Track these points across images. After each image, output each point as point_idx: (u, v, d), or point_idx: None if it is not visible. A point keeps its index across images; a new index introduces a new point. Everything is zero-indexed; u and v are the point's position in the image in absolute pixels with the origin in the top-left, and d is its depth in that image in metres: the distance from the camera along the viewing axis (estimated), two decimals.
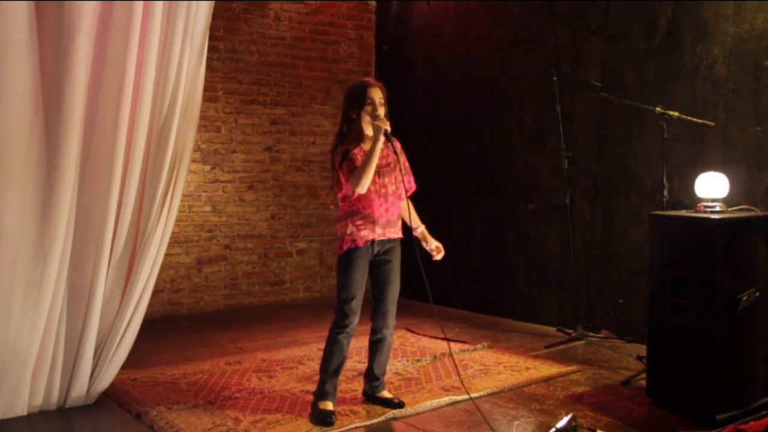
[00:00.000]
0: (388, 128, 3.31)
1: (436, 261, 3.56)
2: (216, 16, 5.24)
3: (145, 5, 3.38)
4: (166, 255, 4.04)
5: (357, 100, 3.41)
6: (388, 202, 3.45)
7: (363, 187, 3.31)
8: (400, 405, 3.51)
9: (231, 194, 6.33)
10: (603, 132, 5.11)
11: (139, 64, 3.42)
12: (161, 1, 3.42)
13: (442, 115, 6.45)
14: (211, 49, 4.87)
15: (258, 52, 6.42)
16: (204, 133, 6.11)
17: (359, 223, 3.39)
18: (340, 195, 3.42)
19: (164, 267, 5.73)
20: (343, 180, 3.37)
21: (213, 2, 3.66)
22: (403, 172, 3.47)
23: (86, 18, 3.23)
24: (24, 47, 3.09)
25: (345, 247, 3.41)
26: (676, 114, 4.07)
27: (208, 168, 6.19)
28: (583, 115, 5.23)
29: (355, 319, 3.42)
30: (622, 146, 4.97)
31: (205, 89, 4.25)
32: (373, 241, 3.42)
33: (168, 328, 5.52)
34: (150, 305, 3.83)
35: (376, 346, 3.54)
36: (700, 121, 4.10)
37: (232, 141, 6.31)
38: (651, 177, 4.76)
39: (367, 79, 3.54)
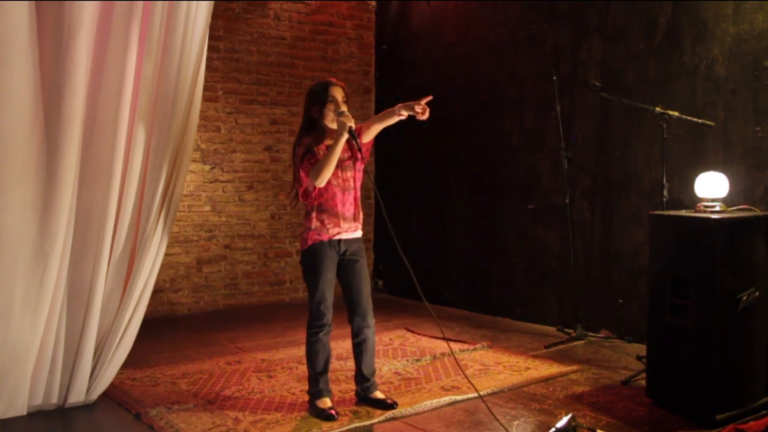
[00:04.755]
0: (353, 125, 3.35)
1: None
2: (216, 16, 5.26)
3: (145, 5, 3.38)
4: (166, 255, 4.05)
5: (319, 98, 3.45)
6: (351, 196, 3.48)
7: (322, 180, 3.34)
8: (393, 406, 3.51)
9: (231, 194, 6.32)
10: (603, 132, 5.11)
11: (139, 64, 3.43)
12: (161, 1, 3.42)
13: (442, 115, 6.43)
14: (211, 49, 4.88)
15: (258, 52, 6.42)
16: (204, 133, 6.11)
17: (324, 218, 3.42)
18: (300, 190, 3.42)
19: (164, 267, 5.73)
20: (302, 175, 3.38)
21: (213, 2, 3.65)
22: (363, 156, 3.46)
23: (86, 18, 3.22)
24: (24, 47, 3.09)
25: (309, 243, 3.43)
26: (675, 114, 4.08)
27: (208, 168, 6.20)
28: (583, 115, 5.23)
29: (330, 316, 3.45)
30: (622, 146, 4.97)
31: (205, 89, 4.26)
32: (339, 241, 3.44)
33: (168, 328, 5.52)
34: (150, 305, 3.83)
35: (360, 348, 3.54)
36: (699, 121, 4.10)
37: (231, 141, 6.31)
38: (651, 177, 4.76)
39: (329, 78, 3.59)
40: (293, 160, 3.47)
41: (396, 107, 3.44)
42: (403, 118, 3.45)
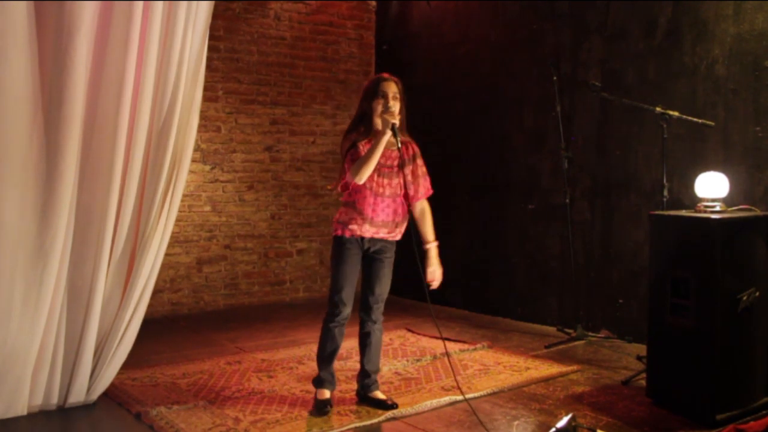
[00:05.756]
0: (396, 122, 3.32)
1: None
2: (216, 16, 5.26)
3: (145, 5, 3.38)
4: (166, 255, 4.04)
5: (371, 93, 3.45)
6: (384, 203, 3.45)
7: (361, 177, 3.33)
8: (394, 406, 3.50)
9: (231, 194, 6.32)
10: (603, 132, 5.11)
11: (139, 64, 3.42)
12: (161, 1, 3.42)
13: (442, 115, 6.44)
14: (211, 49, 4.88)
15: (258, 52, 6.42)
16: (204, 133, 6.11)
17: (351, 215, 3.43)
18: (342, 181, 3.47)
19: (164, 267, 5.73)
20: (346, 167, 3.41)
21: (213, 2, 3.65)
22: (408, 175, 3.47)
23: (86, 18, 3.22)
24: (24, 47, 3.09)
25: (334, 233, 3.49)
26: (676, 114, 4.07)
27: (208, 168, 6.19)
28: (583, 115, 5.23)
29: (346, 310, 3.47)
30: (622, 146, 4.97)
31: (205, 89, 4.25)
32: (363, 238, 3.46)
33: (168, 328, 5.52)
34: (150, 305, 3.83)
35: (364, 341, 3.57)
36: (700, 121, 4.10)
37: (232, 141, 6.31)
38: (651, 177, 4.76)
39: (382, 74, 3.56)
40: (341, 152, 3.49)
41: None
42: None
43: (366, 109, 3.45)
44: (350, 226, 3.42)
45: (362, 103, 3.49)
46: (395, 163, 3.45)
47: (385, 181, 3.43)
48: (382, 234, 3.47)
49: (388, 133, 3.32)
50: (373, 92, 3.43)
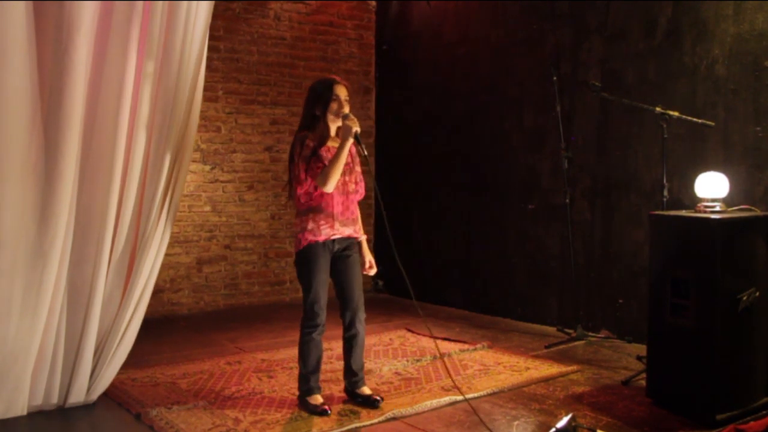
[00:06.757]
0: (358, 129, 3.34)
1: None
2: (216, 16, 5.26)
3: (145, 5, 3.38)
4: (166, 255, 4.05)
5: (322, 97, 3.44)
6: (349, 200, 3.50)
7: (330, 186, 3.34)
8: (379, 400, 3.52)
9: (231, 194, 6.33)
10: (603, 132, 5.11)
11: (139, 64, 3.43)
12: (161, 1, 3.42)
13: (442, 115, 6.45)
14: (211, 49, 4.88)
15: (258, 52, 6.42)
16: (204, 133, 6.11)
17: (320, 219, 3.42)
18: (301, 191, 3.43)
19: (164, 267, 5.73)
20: (306, 176, 3.39)
21: (213, 2, 3.65)
22: (358, 174, 3.57)
23: (86, 18, 3.22)
24: (23, 47, 3.09)
25: (304, 243, 3.42)
26: (676, 114, 4.08)
27: (208, 168, 6.20)
28: (583, 115, 5.23)
29: (324, 315, 3.48)
30: (622, 146, 4.97)
31: (205, 89, 4.25)
32: (333, 240, 3.46)
33: (168, 328, 5.52)
34: (150, 305, 3.83)
35: (351, 343, 3.56)
36: (700, 121, 4.10)
37: (232, 141, 6.31)
38: (651, 177, 4.76)
39: (332, 76, 3.57)
40: (292, 157, 3.45)
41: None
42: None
43: (318, 112, 3.45)
44: (323, 231, 3.41)
45: (312, 105, 3.46)
46: (350, 158, 3.50)
47: (347, 178, 3.48)
48: (349, 232, 3.50)
49: (351, 140, 3.33)
50: (327, 95, 3.42)
